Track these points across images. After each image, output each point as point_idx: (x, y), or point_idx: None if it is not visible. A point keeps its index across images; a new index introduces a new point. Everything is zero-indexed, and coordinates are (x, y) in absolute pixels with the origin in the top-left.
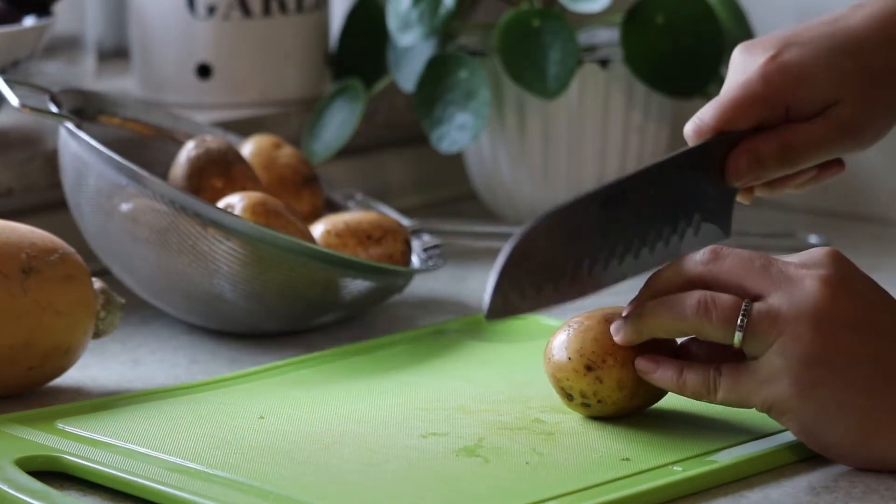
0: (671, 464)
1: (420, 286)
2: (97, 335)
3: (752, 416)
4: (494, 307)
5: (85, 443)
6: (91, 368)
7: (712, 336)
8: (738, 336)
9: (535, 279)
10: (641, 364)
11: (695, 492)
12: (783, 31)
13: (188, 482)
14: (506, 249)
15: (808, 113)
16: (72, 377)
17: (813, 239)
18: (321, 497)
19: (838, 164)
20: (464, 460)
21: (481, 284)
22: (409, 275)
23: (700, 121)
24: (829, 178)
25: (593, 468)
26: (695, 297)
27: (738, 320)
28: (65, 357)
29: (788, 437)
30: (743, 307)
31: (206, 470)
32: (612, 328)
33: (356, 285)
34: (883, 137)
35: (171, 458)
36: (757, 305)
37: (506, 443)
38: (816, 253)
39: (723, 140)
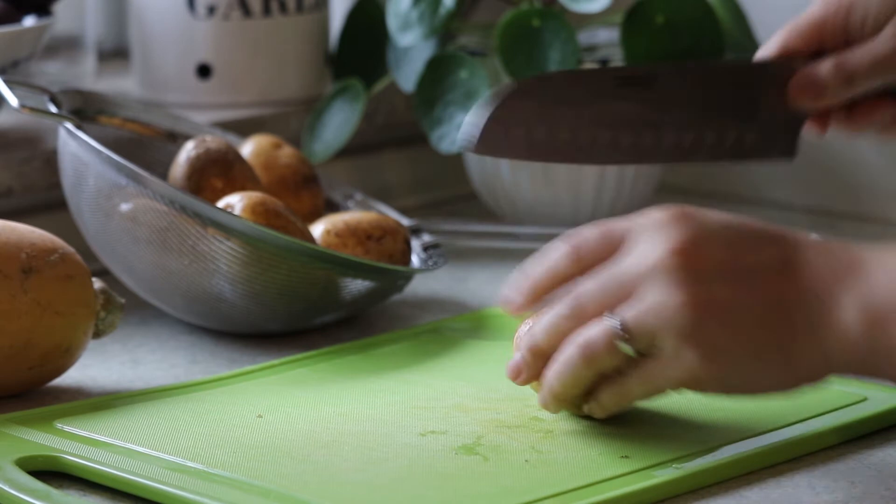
0: (670, 461)
1: (420, 286)
2: (97, 335)
3: (750, 413)
4: (485, 137)
5: (84, 442)
6: (91, 368)
7: (612, 363)
8: (630, 349)
9: (528, 123)
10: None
11: (694, 489)
12: None
13: (189, 481)
14: (505, 89)
15: (867, 35)
16: (72, 377)
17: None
18: (322, 495)
19: None
20: (463, 458)
21: (481, 284)
22: (409, 275)
23: (767, 45)
24: None
25: (592, 466)
26: (572, 349)
27: (621, 343)
28: (65, 357)
29: (788, 433)
30: (618, 328)
31: (206, 469)
32: (540, 401)
33: (356, 285)
34: None
35: (171, 458)
36: (626, 318)
37: (504, 441)
38: (660, 218)
39: (786, 63)
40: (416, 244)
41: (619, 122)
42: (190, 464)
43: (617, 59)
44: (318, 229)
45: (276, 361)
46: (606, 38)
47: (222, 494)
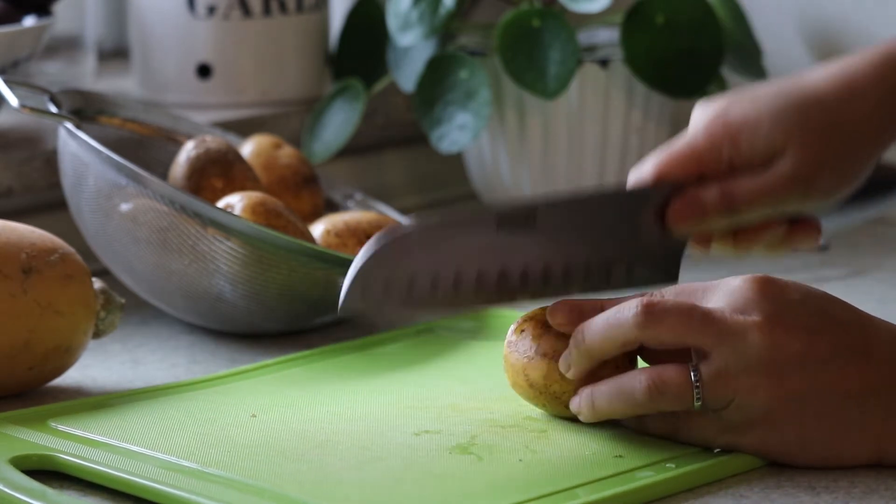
0: (664, 461)
1: None
2: (97, 335)
3: None
4: (350, 300)
5: (79, 442)
6: (91, 368)
7: (671, 408)
8: (697, 404)
9: (399, 282)
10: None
11: (688, 488)
12: (742, 89)
13: (184, 480)
14: (375, 244)
15: (752, 164)
16: (72, 377)
17: None
18: (317, 494)
19: (812, 226)
20: (457, 458)
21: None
22: None
23: (641, 170)
24: (805, 243)
25: (587, 465)
26: (643, 381)
27: (694, 391)
28: (65, 357)
29: None
30: (693, 377)
31: (200, 468)
32: (573, 407)
33: None
34: (843, 193)
35: (166, 457)
36: (705, 370)
37: (498, 440)
38: (744, 289)
39: (667, 188)
40: None
41: (504, 263)
42: (185, 463)
43: (617, 58)
44: (318, 229)
45: (270, 361)
46: (606, 38)
47: (217, 493)
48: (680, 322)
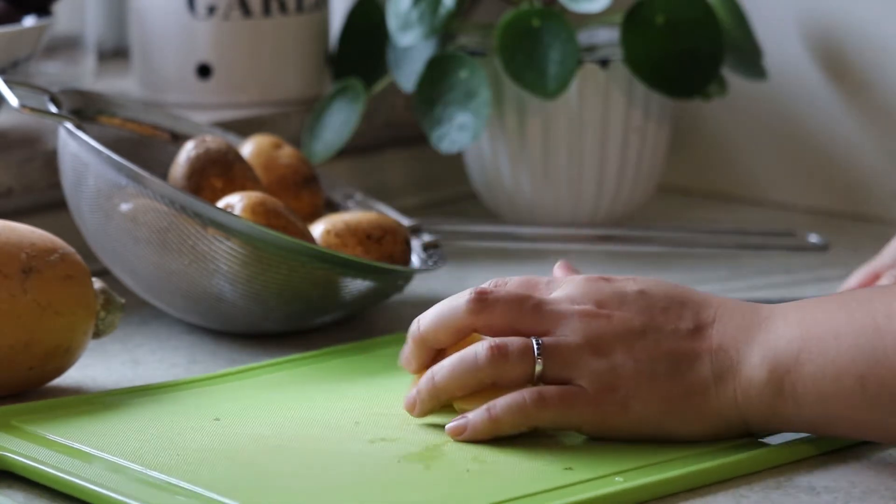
0: (613, 474)
1: (420, 286)
2: (97, 335)
3: None
4: None
5: (32, 441)
6: (91, 368)
7: (512, 375)
8: (538, 366)
9: None
10: (450, 431)
11: (637, 503)
12: None
13: (122, 483)
14: None
15: None
16: (72, 377)
17: (813, 238)
18: (252, 501)
19: None
20: (405, 466)
21: (481, 284)
22: (409, 275)
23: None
24: None
25: (535, 476)
26: (484, 345)
27: (535, 351)
28: (65, 357)
29: (745, 445)
30: (534, 341)
31: (142, 471)
32: (407, 405)
33: (356, 285)
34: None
35: (113, 459)
36: (545, 340)
37: (451, 450)
38: (580, 283)
39: None
40: (416, 244)
41: None
42: (130, 466)
43: (617, 58)
44: (318, 229)
45: (258, 364)
46: (606, 38)
47: (149, 497)
48: (510, 309)
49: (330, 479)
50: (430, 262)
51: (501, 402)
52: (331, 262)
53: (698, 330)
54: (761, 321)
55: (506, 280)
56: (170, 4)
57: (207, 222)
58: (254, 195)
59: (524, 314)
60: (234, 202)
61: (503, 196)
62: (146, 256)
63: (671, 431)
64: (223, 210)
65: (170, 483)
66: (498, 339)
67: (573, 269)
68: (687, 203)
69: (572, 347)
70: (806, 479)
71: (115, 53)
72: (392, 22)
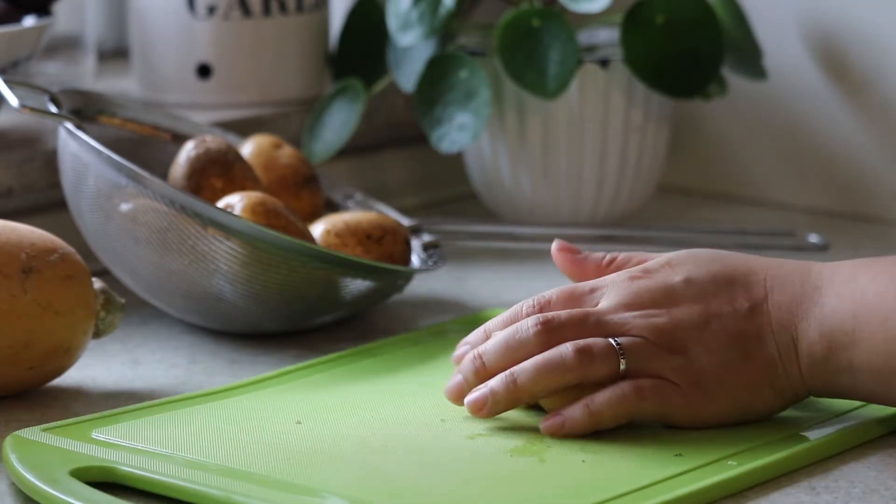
0: (726, 457)
1: (420, 286)
2: (97, 335)
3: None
4: None
5: (131, 452)
6: (91, 368)
7: (598, 375)
8: (623, 362)
9: None
10: (548, 428)
11: (756, 483)
12: None
13: (243, 486)
14: None
15: None
16: (72, 377)
17: (813, 238)
18: (387, 499)
19: None
20: (519, 460)
21: (481, 284)
22: (409, 275)
23: None
24: None
25: (648, 464)
26: (569, 348)
27: (616, 349)
28: (65, 357)
29: (851, 418)
30: (612, 341)
31: (266, 474)
32: (472, 405)
33: (356, 285)
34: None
35: (224, 464)
36: (622, 339)
37: (553, 442)
38: (622, 287)
39: None
40: (416, 244)
41: None
42: (244, 469)
43: (617, 58)
44: (318, 229)
45: (291, 367)
46: (606, 38)
47: (284, 500)
48: (577, 330)
49: (451, 475)
50: (430, 262)
51: (601, 397)
52: (331, 262)
53: (754, 308)
54: (812, 292)
55: (547, 297)
56: (170, 4)
57: (207, 222)
58: (254, 195)
59: (589, 332)
60: (234, 202)
61: (503, 196)
62: (146, 256)
63: (757, 412)
64: (223, 210)
65: (296, 484)
66: (580, 342)
67: (572, 249)
68: (687, 203)
69: (649, 345)
70: (806, 479)
71: (115, 53)
72: (392, 22)
